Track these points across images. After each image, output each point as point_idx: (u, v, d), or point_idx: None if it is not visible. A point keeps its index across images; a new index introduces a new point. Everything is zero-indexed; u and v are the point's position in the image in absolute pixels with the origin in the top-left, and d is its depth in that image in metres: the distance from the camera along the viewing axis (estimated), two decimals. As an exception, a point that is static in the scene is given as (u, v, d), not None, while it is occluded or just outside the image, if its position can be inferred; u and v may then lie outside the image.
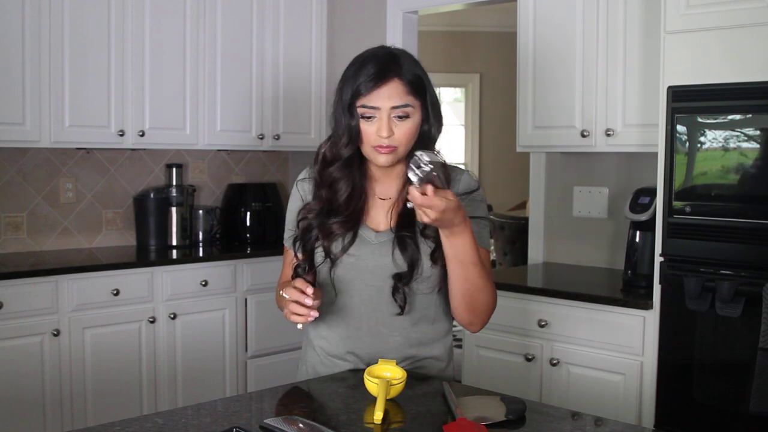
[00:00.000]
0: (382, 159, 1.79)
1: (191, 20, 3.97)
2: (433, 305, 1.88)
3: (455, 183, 1.86)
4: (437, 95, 1.85)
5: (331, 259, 1.82)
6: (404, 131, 1.76)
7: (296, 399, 1.74)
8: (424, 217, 1.62)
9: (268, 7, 4.26)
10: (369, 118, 1.76)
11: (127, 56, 3.77)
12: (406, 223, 1.82)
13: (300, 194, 1.92)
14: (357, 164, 1.84)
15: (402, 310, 1.82)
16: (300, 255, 1.87)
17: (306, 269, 1.85)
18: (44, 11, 3.50)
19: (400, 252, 1.80)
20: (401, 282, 1.80)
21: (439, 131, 1.85)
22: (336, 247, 1.82)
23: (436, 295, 1.87)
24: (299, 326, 1.72)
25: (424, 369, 1.89)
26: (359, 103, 1.76)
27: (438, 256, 1.79)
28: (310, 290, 1.67)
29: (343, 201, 1.83)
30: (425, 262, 1.80)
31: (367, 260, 1.82)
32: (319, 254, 1.84)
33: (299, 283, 1.69)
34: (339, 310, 1.87)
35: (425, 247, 1.81)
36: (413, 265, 1.79)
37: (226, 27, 4.10)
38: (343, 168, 1.83)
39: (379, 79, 1.75)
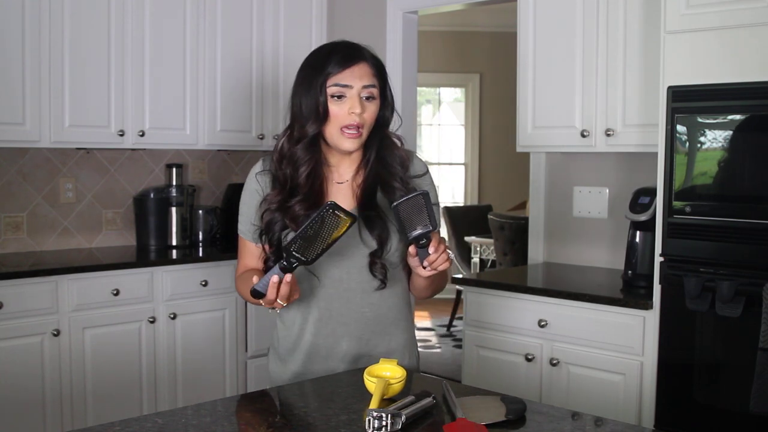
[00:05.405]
0: (349, 144, 1.85)
1: (191, 20, 3.98)
2: (399, 281, 1.94)
3: (411, 166, 1.94)
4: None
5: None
6: (371, 113, 1.85)
7: (296, 399, 1.74)
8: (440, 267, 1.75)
9: (267, 7, 4.26)
10: (339, 97, 1.84)
11: (127, 56, 3.77)
12: (368, 203, 1.87)
13: (259, 187, 1.94)
14: (319, 146, 1.89)
15: (384, 284, 1.87)
16: (267, 247, 1.90)
17: (275, 260, 1.84)
18: (44, 11, 3.50)
19: (368, 231, 1.85)
20: (377, 257, 1.86)
21: (392, 117, 1.93)
22: None
23: (402, 272, 1.94)
24: (277, 310, 1.83)
25: (378, 348, 1.93)
26: (331, 82, 1.84)
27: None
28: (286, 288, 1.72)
29: (303, 180, 1.87)
30: (393, 238, 1.86)
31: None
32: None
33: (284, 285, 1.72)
34: (307, 294, 1.90)
35: (391, 225, 1.86)
36: (382, 242, 1.85)
37: (226, 27, 4.10)
38: (308, 147, 1.88)
39: (351, 60, 1.85)
